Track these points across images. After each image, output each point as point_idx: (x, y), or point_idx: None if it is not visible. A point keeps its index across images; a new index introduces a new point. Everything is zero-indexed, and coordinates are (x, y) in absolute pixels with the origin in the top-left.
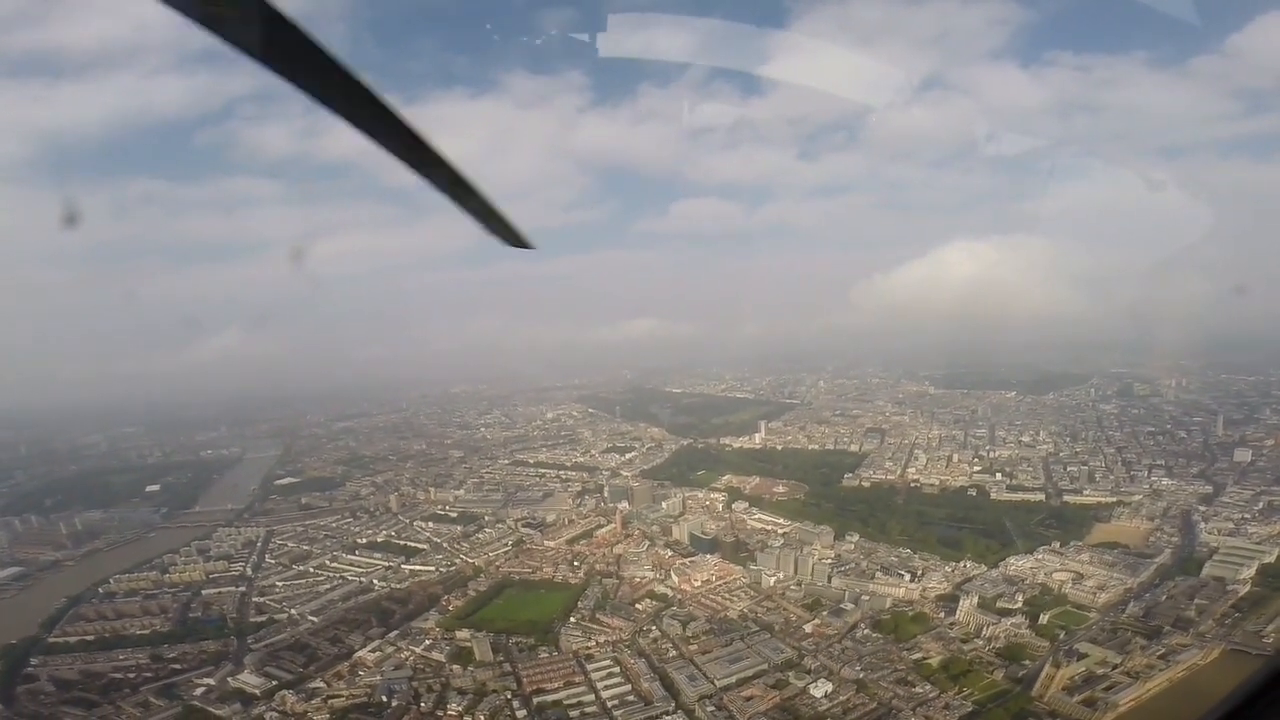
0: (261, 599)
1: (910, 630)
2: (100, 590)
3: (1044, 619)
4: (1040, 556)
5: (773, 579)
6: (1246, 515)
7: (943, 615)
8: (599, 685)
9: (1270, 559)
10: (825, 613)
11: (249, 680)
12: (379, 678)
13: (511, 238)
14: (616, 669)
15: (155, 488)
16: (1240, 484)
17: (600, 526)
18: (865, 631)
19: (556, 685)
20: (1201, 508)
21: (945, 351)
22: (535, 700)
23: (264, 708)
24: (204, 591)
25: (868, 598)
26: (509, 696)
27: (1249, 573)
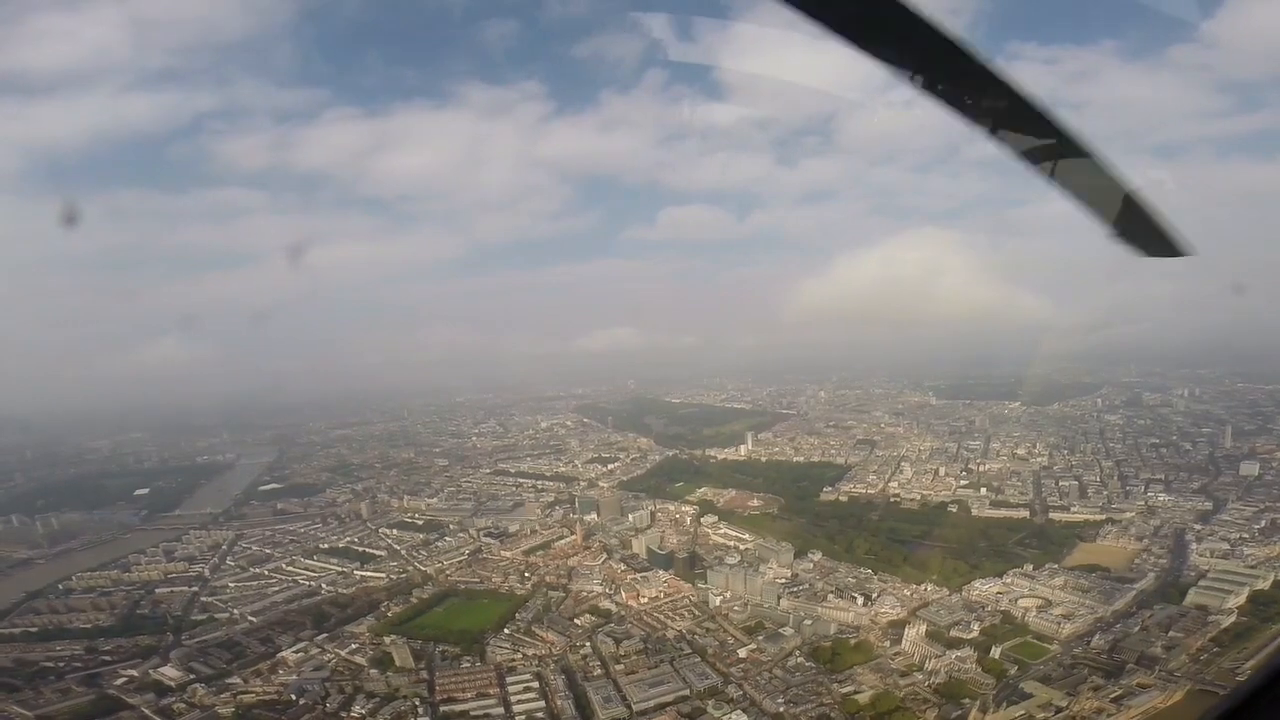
0: (210, 598)
1: (849, 659)
2: (60, 586)
3: (996, 652)
4: (1009, 580)
5: (719, 598)
6: (1245, 535)
7: (888, 644)
8: (513, 699)
9: (1264, 585)
10: (762, 637)
11: (169, 673)
12: (295, 677)
13: None
14: (536, 684)
15: (144, 491)
16: (1243, 500)
17: (562, 538)
18: (800, 659)
19: (468, 695)
20: (1197, 526)
21: (954, 362)
22: (442, 709)
23: (174, 699)
24: (158, 590)
25: (811, 622)
26: (416, 703)
27: (1237, 601)
